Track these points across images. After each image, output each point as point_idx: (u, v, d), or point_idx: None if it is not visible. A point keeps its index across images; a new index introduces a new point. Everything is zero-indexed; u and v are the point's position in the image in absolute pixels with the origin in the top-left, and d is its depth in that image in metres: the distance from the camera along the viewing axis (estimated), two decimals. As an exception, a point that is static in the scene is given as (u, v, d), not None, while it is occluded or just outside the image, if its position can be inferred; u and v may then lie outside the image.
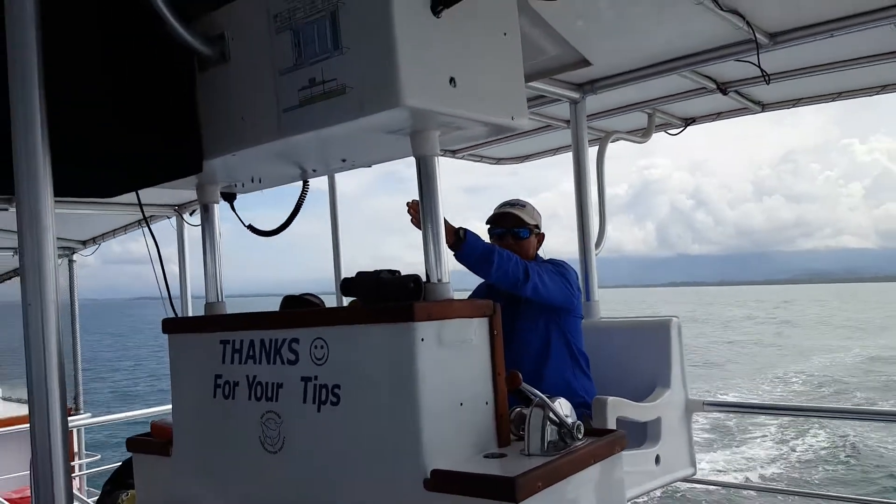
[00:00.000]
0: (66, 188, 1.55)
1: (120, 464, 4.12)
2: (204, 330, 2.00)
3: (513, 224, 2.83)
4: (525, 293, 2.61)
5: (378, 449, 1.55)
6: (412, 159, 1.66)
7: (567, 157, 4.58)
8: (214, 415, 1.92)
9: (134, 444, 2.17)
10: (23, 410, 6.42)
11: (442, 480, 1.44)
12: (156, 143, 1.75)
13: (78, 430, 6.10)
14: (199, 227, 4.70)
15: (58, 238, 4.28)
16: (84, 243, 5.91)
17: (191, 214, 5.02)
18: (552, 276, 2.72)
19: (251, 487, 1.82)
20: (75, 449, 6.12)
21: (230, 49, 1.71)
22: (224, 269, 2.17)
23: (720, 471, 13.81)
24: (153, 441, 2.12)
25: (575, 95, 3.20)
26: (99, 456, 6.37)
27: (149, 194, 4.63)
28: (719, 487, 10.94)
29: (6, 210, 4.28)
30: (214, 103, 1.78)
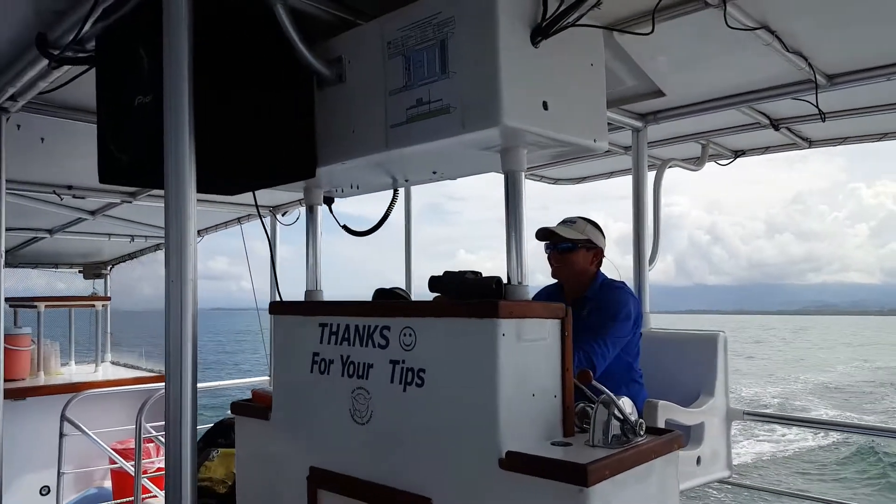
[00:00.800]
0: (200, 185, 1.62)
1: (211, 425, 4.26)
2: (305, 313, 2.05)
3: (554, 240, 2.67)
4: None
5: (457, 428, 1.57)
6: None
7: (613, 180, 4.59)
8: (310, 387, 1.97)
9: (237, 407, 2.24)
10: (128, 374, 6.69)
11: (516, 461, 1.44)
12: (277, 150, 1.81)
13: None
14: (290, 226, 4.79)
15: (160, 227, 4.41)
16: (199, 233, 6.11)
17: (283, 215, 5.13)
18: (612, 334, 2.49)
19: (339, 452, 1.86)
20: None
21: (346, 71, 1.77)
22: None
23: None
24: (254, 406, 2.19)
25: (638, 124, 3.17)
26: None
27: (248, 195, 4.78)
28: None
29: (129, 203, 4.48)
30: (329, 118, 1.84)
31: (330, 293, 2.25)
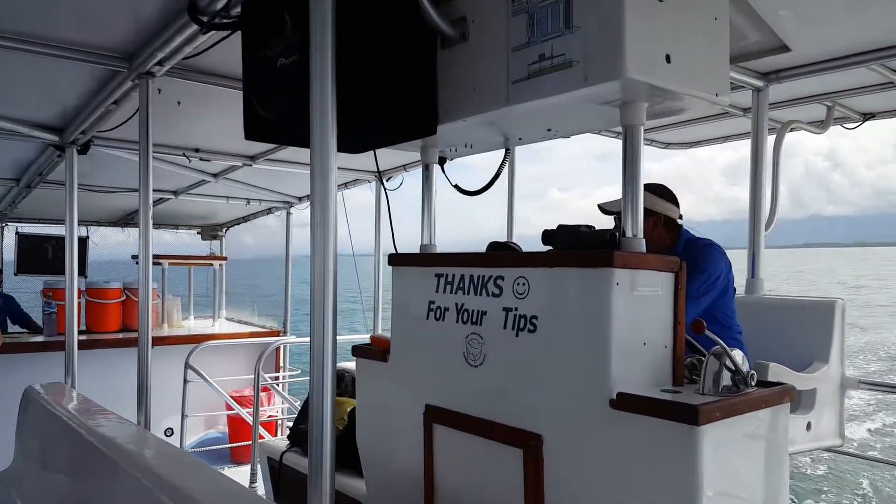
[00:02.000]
0: None
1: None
2: (422, 265, 2.22)
3: (608, 215, 2.70)
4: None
5: (568, 371, 1.68)
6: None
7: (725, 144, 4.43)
8: (426, 333, 2.13)
9: (358, 350, 2.46)
10: (242, 328, 7.26)
11: (627, 401, 1.54)
12: (402, 108, 1.95)
13: (284, 347, 6.80)
14: (395, 191, 4.99)
15: (279, 192, 4.79)
16: (300, 199, 6.51)
17: (387, 180, 5.35)
18: (698, 286, 2.55)
19: (453, 392, 2.02)
20: (281, 363, 6.83)
21: (470, 30, 1.87)
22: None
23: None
24: (373, 349, 2.40)
25: (759, 83, 3.08)
26: (299, 370, 7.08)
27: (353, 161, 5.02)
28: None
29: (249, 166, 4.83)
30: (450, 77, 1.96)
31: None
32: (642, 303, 1.65)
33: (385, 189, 2.75)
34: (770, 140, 3.33)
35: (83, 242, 7.65)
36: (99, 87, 3.19)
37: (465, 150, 2.41)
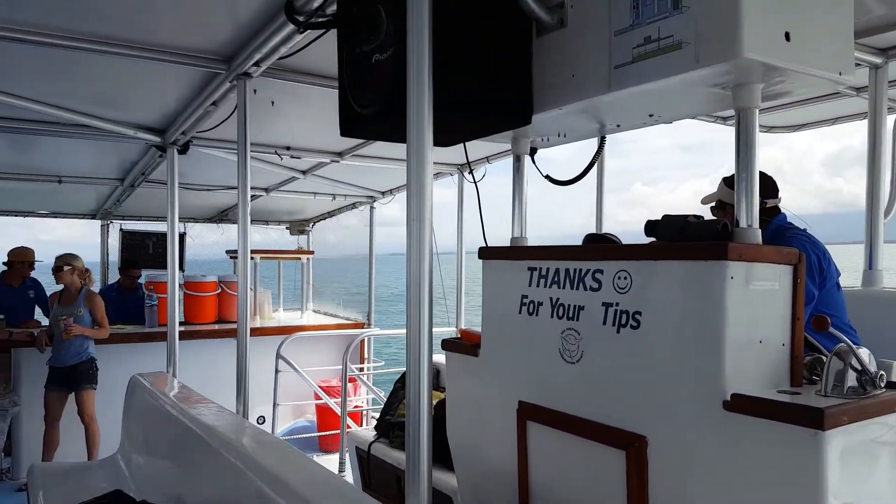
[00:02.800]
0: None
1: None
2: (514, 258, 2.18)
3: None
4: None
5: (676, 369, 1.60)
6: None
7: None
8: (518, 327, 2.10)
9: (448, 344, 2.45)
10: (328, 320, 7.45)
11: (742, 403, 1.45)
12: (496, 99, 1.92)
13: (368, 339, 6.93)
14: (475, 184, 4.95)
15: (364, 187, 4.86)
16: (383, 193, 6.61)
17: (469, 172, 5.33)
18: None
19: (548, 388, 1.97)
20: (366, 354, 6.97)
21: (568, 15, 1.82)
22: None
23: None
24: (463, 343, 2.38)
25: (878, 60, 2.85)
26: (383, 362, 7.21)
27: (435, 154, 5.03)
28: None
29: (337, 162, 4.93)
30: (546, 65, 1.91)
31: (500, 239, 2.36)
32: (758, 298, 1.55)
33: (475, 181, 2.72)
34: (889, 121, 3.07)
35: (181, 238, 8.09)
36: (198, 89, 3.34)
37: (559, 139, 2.35)
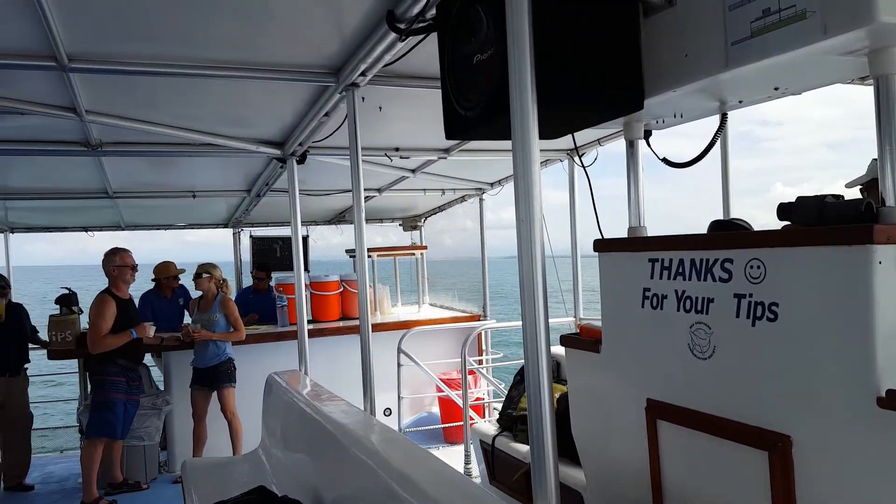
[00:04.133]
0: None
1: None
2: (633, 249, 2.10)
3: None
4: None
5: (820, 364, 1.48)
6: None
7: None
8: (642, 322, 2.03)
9: (567, 340, 2.42)
10: (445, 313, 7.58)
11: (902, 401, 1.32)
12: (605, 86, 1.86)
13: (485, 332, 6.98)
14: (586, 168, 4.79)
15: (472, 180, 4.85)
16: (492, 184, 6.61)
17: (580, 157, 5.20)
18: None
19: (679, 386, 1.89)
20: (483, 346, 7.03)
21: (678, -7, 1.73)
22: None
23: None
24: (583, 339, 2.34)
25: None
26: (501, 353, 7.24)
27: (546, 140, 4.96)
28: None
29: (444, 159, 4.98)
30: (656, 45, 1.82)
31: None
32: (912, 283, 1.40)
33: (584, 168, 2.65)
34: None
35: (304, 241, 8.54)
36: (311, 102, 3.50)
37: (675, 119, 2.24)
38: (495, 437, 4.17)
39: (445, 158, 4.87)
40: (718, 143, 2.28)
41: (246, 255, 8.54)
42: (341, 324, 6.95)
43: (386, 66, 2.75)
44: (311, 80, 3.08)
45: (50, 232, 8.26)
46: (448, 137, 2.09)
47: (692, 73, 1.71)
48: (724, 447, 1.73)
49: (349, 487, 2.59)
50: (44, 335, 5.94)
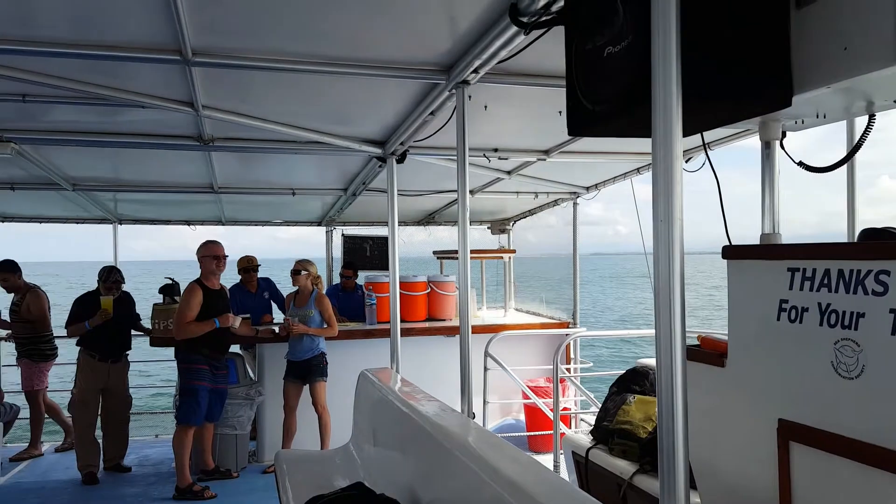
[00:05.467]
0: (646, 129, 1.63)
1: (624, 371, 4.48)
2: (769, 257, 1.97)
3: None
4: None
5: None
6: None
7: None
8: (777, 336, 1.89)
9: (689, 353, 2.29)
10: (532, 319, 7.48)
11: None
12: (747, 82, 1.74)
13: (574, 341, 6.83)
14: (695, 172, 4.60)
15: (568, 183, 4.75)
16: (587, 189, 6.46)
17: (686, 161, 4.99)
18: None
19: (818, 406, 1.75)
20: (572, 355, 6.88)
21: (837, -21, 1.59)
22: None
23: None
24: (705, 352, 2.21)
25: None
26: (591, 363, 7.06)
27: (647, 143, 4.80)
28: None
29: (543, 160, 4.90)
30: (810, 38, 1.69)
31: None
32: None
33: (714, 170, 2.51)
34: None
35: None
36: (417, 100, 3.51)
37: (816, 121, 2.08)
38: (589, 449, 4.04)
39: (545, 160, 4.79)
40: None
41: (337, 253, 8.75)
42: (427, 324, 6.98)
43: (499, 62, 2.71)
44: (422, 78, 3.08)
45: (155, 225, 8.75)
46: (572, 133, 2.02)
47: (852, 67, 1.57)
48: (870, 476, 1.59)
49: (449, 491, 2.56)
50: (147, 324, 6.27)
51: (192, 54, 2.73)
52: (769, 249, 2.02)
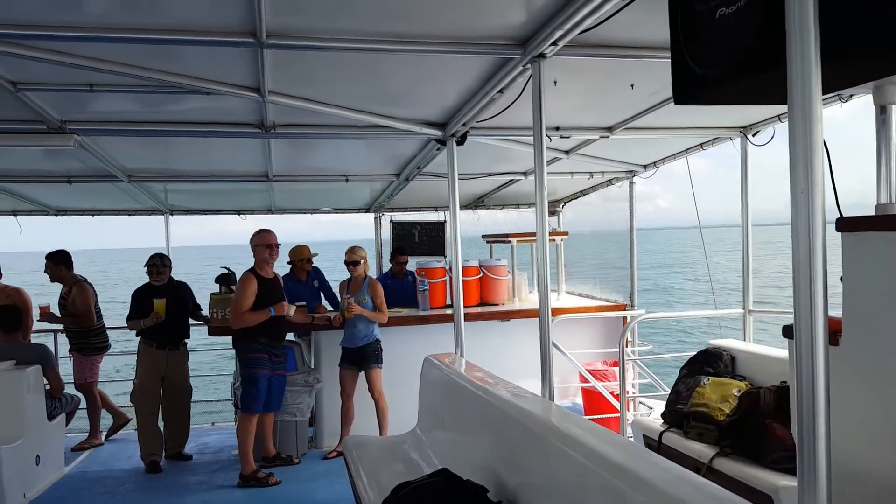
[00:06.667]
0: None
1: (696, 352, 4.38)
2: (887, 228, 1.86)
3: None
4: None
5: None
6: None
7: None
8: (898, 313, 1.79)
9: (791, 331, 2.19)
10: (585, 302, 7.36)
11: None
12: (890, 35, 1.62)
13: (635, 323, 6.70)
14: (762, 147, 4.40)
15: (626, 162, 4.60)
16: (645, 167, 6.31)
17: (754, 135, 4.82)
18: None
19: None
20: (629, 336, 6.76)
21: None
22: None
23: None
24: (817, 331, 2.11)
25: None
26: (650, 346, 6.94)
27: (707, 116, 4.63)
28: None
29: (606, 138, 4.77)
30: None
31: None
32: None
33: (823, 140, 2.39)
34: None
35: (441, 226, 8.61)
36: (485, 78, 3.43)
37: (937, 82, 1.95)
38: (662, 432, 3.96)
39: (608, 137, 4.67)
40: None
41: (385, 238, 8.75)
42: (480, 309, 6.93)
43: (581, 33, 2.61)
44: (495, 53, 3.00)
45: (205, 215, 8.85)
46: (678, 102, 1.93)
47: None
48: None
49: (538, 474, 2.51)
50: (206, 312, 6.35)
51: (266, 36, 2.70)
52: (888, 220, 1.90)
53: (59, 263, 6.36)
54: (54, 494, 5.21)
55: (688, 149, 5.49)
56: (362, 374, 5.91)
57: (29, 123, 4.10)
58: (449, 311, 6.60)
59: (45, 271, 6.40)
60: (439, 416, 4.12)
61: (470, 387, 3.55)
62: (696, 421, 3.79)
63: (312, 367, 6.43)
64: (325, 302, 6.86)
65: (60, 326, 6.62)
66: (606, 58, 3.06)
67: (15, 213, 7.84)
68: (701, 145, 5.29)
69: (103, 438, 6.68)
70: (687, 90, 1.91)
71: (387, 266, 8.06)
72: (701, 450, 3.63)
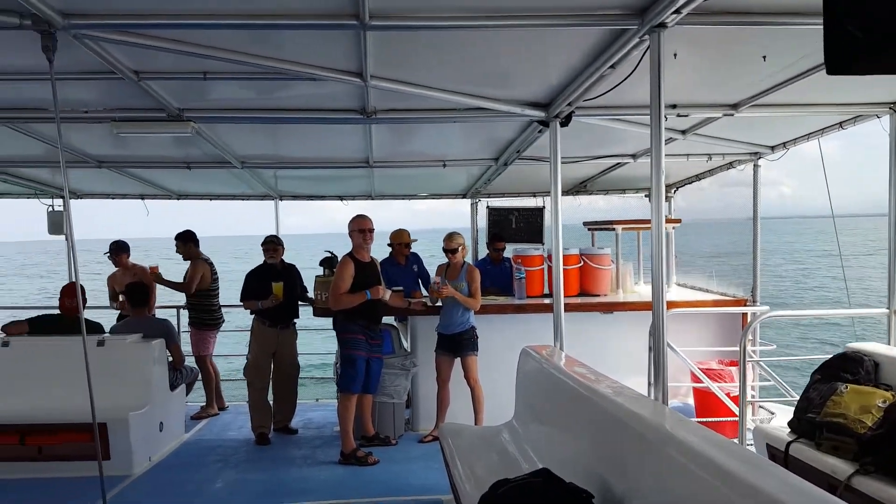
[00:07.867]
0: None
1: (831, 356, 3.96)
2: None
3: None
4: None
5: None
6: None
7: None
8: None
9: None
10: (699, 295, 6.90)
11: None
12: None
13: (752, 318, 6.21)
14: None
15: (745, 142, 4.16)
16: (773, 148, 5.77)
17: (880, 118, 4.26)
18: None
19: None
20: (749, 336, 6.27)
21: None
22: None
23: None
24: None
25: None
26: (773, 346, 6.41)
27: (851, 92, 4.13)
28: None
29: (731, 115, 4.36)
30: None
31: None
32: None
33: None
34: None
35: (539, 212, 8.37)
36: (595, 52, 3.20)
37: None
38: (790, 443, 3.61)
39: (732, 115, 4.27)
40: None
41: (481, 225, 8.62)
42: (580, 300, 6.67)
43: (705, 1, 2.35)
44: (608, 24, 2.77)
45: (311, 200, 9.07)
46: (831, 72, 1.65)
47: None
48: None
49: (650, 486, 2.32)
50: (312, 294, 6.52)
51: (369, 17, 2.63)
52: None
53: (187, 242, 6.81)
54: (175, 460, 5.56)
55: (824, 128, 4.94)
56: (458, 360, 5.86)
57: (151, 111, 4.29)
58: (546, 301, 6.40)
59: (176, 251, 6.88)
60: (537, 410, 3.97)
61: (571, 382, 3.37)
62: (830, 432, 3.41)
63: (409, 351, 6.44)
64: (422, 289, 6.85)
65: (183, 302, 7.05)
66: (736, 25, 2.74)
67: (143, 196, 8.43)
68: (840, 124, 4.73)
69: (217, 409, 7.07)
70: (843, 59, 1.63)
71: (482, 253, 7.93)
72: (836, 465, 3.27)
